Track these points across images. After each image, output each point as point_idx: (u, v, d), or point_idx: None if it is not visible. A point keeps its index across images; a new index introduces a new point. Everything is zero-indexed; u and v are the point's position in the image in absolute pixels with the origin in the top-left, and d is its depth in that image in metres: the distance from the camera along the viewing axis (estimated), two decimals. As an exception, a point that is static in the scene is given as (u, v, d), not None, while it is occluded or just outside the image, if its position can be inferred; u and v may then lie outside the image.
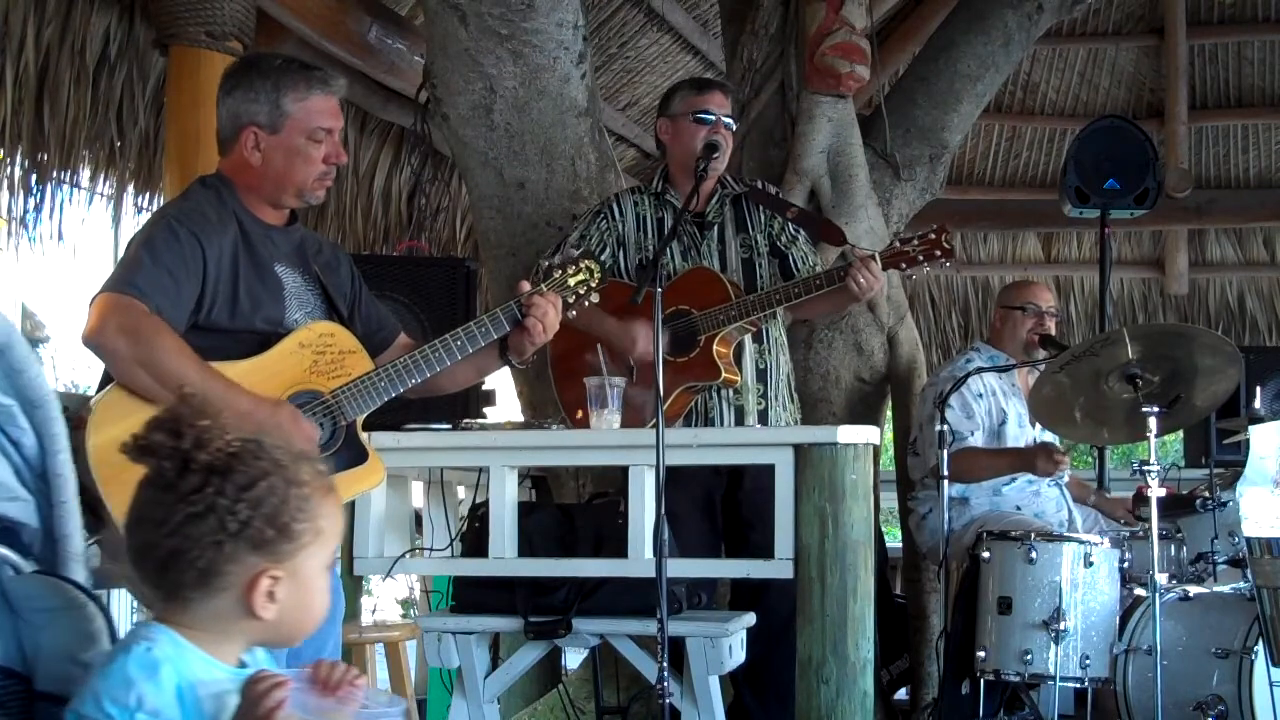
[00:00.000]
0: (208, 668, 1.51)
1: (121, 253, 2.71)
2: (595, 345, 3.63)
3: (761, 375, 3.84)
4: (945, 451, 4.14)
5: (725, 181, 3.91)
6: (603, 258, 3.80)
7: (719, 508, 3.85)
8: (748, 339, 3.82)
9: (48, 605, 1.63)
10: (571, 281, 2.93)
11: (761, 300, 3.68)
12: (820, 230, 3.95)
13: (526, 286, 2.87)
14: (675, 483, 3.57)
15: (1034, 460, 4.18)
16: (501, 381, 4.27)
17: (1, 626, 1.61)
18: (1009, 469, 4.29)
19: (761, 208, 3.90)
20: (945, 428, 4.15)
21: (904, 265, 3.63)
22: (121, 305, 2.51)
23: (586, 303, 2.98)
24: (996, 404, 4.40)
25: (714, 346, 3.68)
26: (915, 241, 3.61)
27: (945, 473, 4.13)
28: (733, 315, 3.67)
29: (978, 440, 4.30)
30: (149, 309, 2.52)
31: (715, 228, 3.87)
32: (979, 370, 4.32)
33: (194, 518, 1.47)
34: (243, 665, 1.57)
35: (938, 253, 3.59)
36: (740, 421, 3.80)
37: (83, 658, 1.58)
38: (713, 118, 3.79)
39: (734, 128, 3.89)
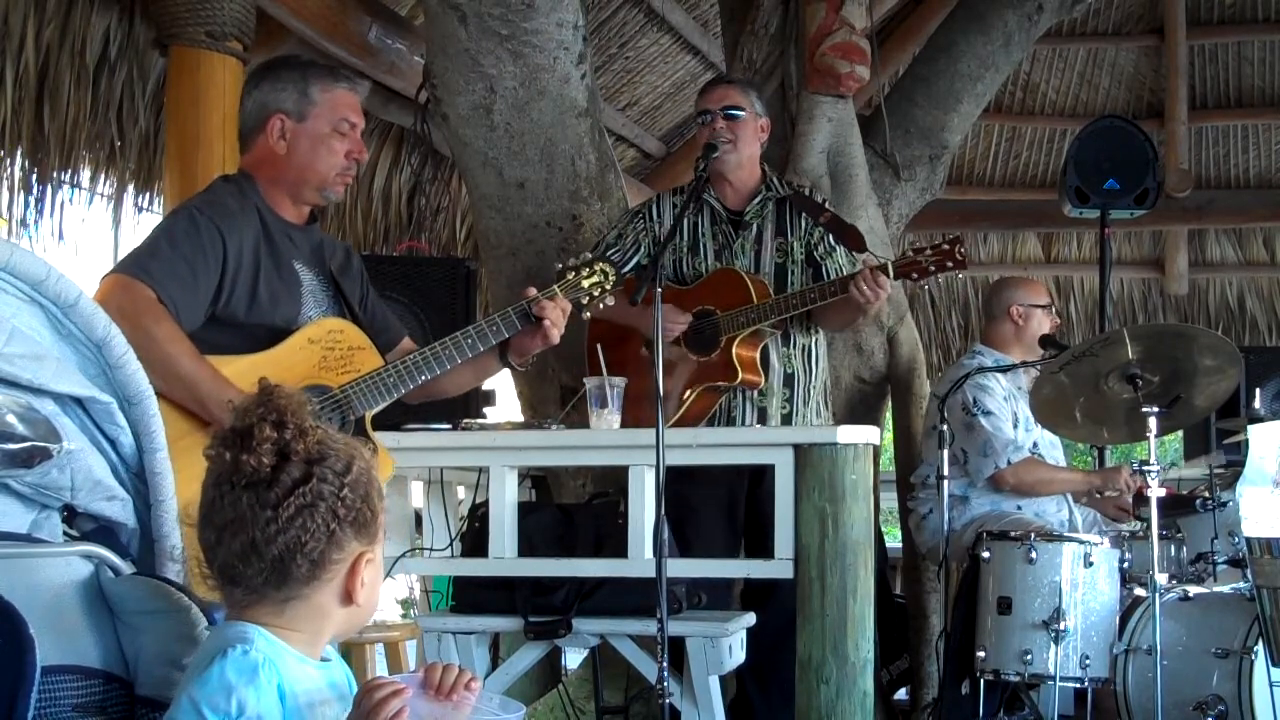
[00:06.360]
0: (301, 667, 1.48)
1: (138, 243, 2.71)
2: (634, 340, 3.71)
3: (788, 380, 3.85)
4: (945, 452, 4.14)
5: (770, 184, 3.92)
6: (637, 257, 3.86)
7: (741, 507, 3.86)
8: (775, 343, 3.82)
9: (148, 608, 1.62)
10: (585, 283, 2.95)
11: (777, 305, 3.69)
12: (844, 235, 3.91)
13: (533, 292, 2.88)
14: (696, 479, 3.60)
15: (1111, 479, 4.23)
16: (501, 381, 4.28)
17: (101, 630, 1.60)
18: (1085, 486, 4.34)
19: (803, 214, 3.89)
20: (945, 428, 4.15)
21: (915, 275, 3.62)
22: (127, 287, 2.51)
23: (601, 305, 2.99)
24: (1010, 407, 4.39)
25: (733, 348, 3.70)
26: (928, 251, 3.60)
27: (945, 473, 4.14)
28: (752, 318, 3.69)
29: (1028, 448, 4.31)
30: (157, 296, 2.52)
31: (753, 228, 3.88)
32: (995, 369, 4.32)
33: (305, 509, 1.45)
34: (324, 660, 1.54)
35: (949, 264, 3.57)
36: (763, 423, 3.82)
37: (185, 662, 1.55)
38: (709, 115, 3.83)
39: (739, 115, 3.84)
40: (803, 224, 3.89)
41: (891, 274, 3.58)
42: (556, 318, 2.87)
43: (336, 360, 2.74)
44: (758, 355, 3.78)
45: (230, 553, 1.46)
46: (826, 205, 3.92)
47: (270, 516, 1.44)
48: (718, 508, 3.82)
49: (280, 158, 2.76)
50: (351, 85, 2.83)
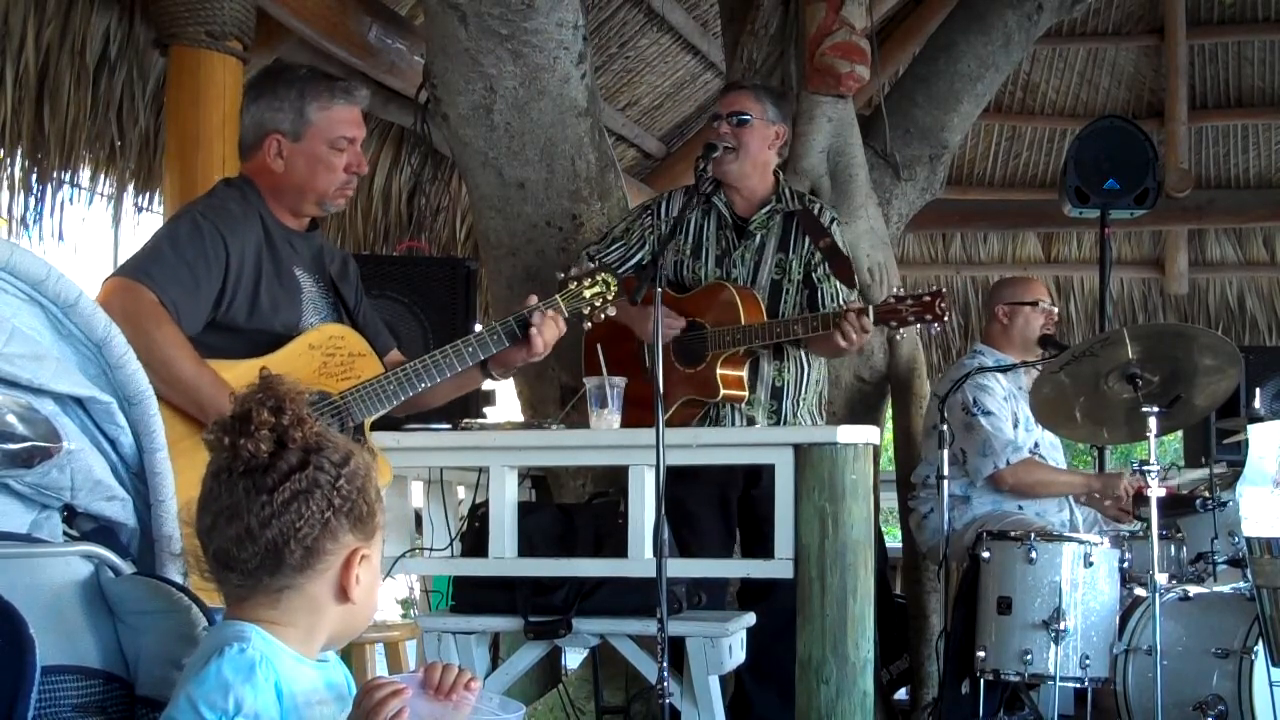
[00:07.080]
0: (298, 666, 1.48)
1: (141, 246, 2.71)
2: (634, 340, 3.73)
3: (777, 392, 3.83)
4: (945, 452, 4.14)
5: (782, 195, 3.90)
6: (641, 253, 3.85)
7: (734, 506, 3.86)
8: (766, 355, 3.81)
9: (148, 608, 1.62)
10: (587, 294, 2.96)
11: (763, 331, 3.67)
12: (836, 266, 3.85)
13: (534, 300, 2.88)
14: (690, 480, 3.59)
15: (1110, 486, 4.23)
16: (502, 381, 4.27)
17: (101, 630, 1.60)
18: (1084, 489, 4.34)
19: (806, 234, 3.85)
20: (945, 428, 4.15)
21: (894, 323, 3.58)
22: (129, 290, 2.52)
23: (602, 315, 2.99)
24: (1010, 407, 4.39)
25: (716, 365, 3.70)
26: (910, 301, 3.55)
27: (946, 473, 4.14)
28: (738, 339, 3.68)
29: (1029, 449, 4.31)
30: (158, 299, 2.52)
31: (757, 239, 3.86)
32: (994, 369, 4.32)
33: (300, 495, 1.45)
34: (321, 660, 1.54)
35: (929, 316, 3.53)
36: None
37: (185, 662, 1.55)
38: (718, 119, 3.84)
39: (747, 121, 3.82)
40: (805, 243, 3.85)
41: (872, 317, 3.55)
42: (551, 336, 2.88)
43: (337, 366, 2.74)
44: (744, 372, 3.76)
45: (225, 538, 1.47)
46: (832, 228, 3.86)
47: (265, 501, 1.45)
48: (711, 508, 3.81)
49: (278, 175, 2.76)
50: (350, 99, 2.81)
